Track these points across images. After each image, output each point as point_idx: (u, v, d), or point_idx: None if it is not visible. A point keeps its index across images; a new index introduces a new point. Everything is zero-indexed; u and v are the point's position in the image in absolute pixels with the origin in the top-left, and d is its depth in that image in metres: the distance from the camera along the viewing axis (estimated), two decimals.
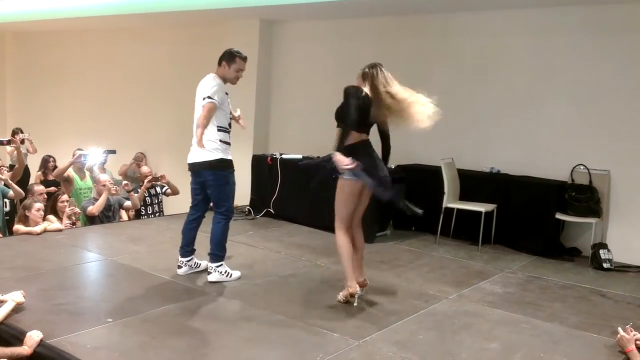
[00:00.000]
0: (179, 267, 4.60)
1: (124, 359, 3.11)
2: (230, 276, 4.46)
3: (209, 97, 4.19)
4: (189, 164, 4.42)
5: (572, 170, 5.87)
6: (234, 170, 4.57)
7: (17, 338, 3.26)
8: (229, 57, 4.39)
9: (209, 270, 4.47)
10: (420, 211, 4.03)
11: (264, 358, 3.22)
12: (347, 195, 3.98)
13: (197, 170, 4.42)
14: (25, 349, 3.14)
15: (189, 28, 8.95)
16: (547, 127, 6.13)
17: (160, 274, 4.59)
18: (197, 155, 4.31)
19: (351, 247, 4.03)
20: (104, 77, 10.19)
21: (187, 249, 4.61)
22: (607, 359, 3.44)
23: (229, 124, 4.48)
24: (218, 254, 4.43)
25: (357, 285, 4.03)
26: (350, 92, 3.89)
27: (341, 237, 4.02)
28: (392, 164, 6.50)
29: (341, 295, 4.04)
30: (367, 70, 3.99)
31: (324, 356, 3.24)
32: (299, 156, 6.95)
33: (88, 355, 3.07)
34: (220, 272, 4.43)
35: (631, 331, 3.43)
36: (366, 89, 3.93)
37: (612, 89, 5.76)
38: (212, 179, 4.38)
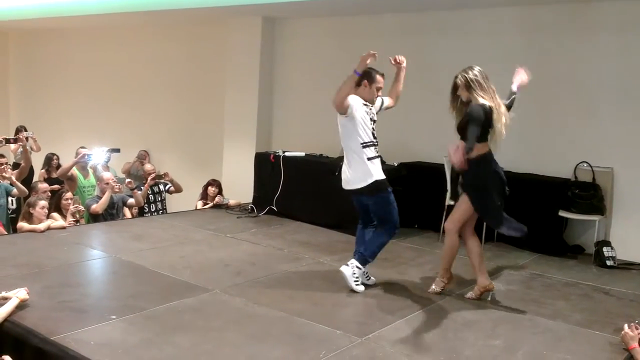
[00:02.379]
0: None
1: (128, 356, 3.12)
2: (357, 284, 4.27)
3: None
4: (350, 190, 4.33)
5: (575, 168, 5.86)
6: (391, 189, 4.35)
7: (20, 334, 3.27)
8: (369, 75, 4.22)
9: (348, 263, 4.32)
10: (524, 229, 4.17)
11: (267, 355, 3.23)
12: (471, 211, 4.12)
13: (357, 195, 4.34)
14: (15, 300, 3.29)
15: (192, 26, 8.96)
16: (551, 124, 6.12)
17: (164, 271, 4.60)
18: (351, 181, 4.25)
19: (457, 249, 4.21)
20: (107, 75, 10.20)
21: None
22: (610, 356, 3.43)
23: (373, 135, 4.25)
24: (367, 257, 4.31)
25: (491, 282, 4.24)
26: (475, 118, 3.84)
27: (453, 241, 4.20)
28: (394, 162, 6.54)
29: (436, 287, 4.31)
30: (472, 77, 3.95)
31: (326, 353, 3.24)
32: (302, 154, 6.96)
33: (92, 352, 3.09)
34: (354, 273, 4.26)
35: (636, 328, 3.42)
36: (483, 99, 3.91)
37: (615, 86, 5.74)
38: (372, 203, 4.30)
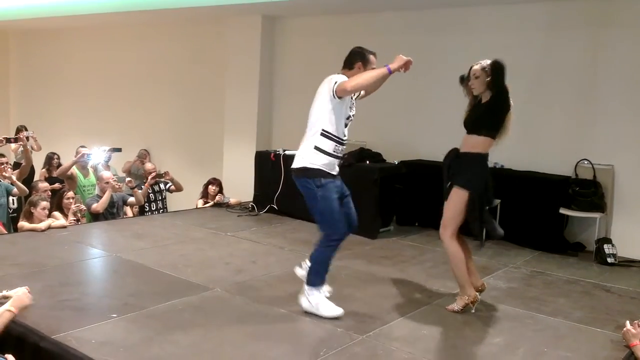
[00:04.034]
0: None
1: (129, 354, 3.12)
2: (324, 308, 3.70)
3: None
4: None
5: (576, 165, 5.85)
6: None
7: (21, 333, 3.28)
8: (362, 56, 3.68)
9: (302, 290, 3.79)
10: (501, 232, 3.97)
11: (268, 353, 3.23)
12: (463, 205, 3.78)
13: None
14: (9, 312, 3.15)
15: (192, 25, 8.96)
16: (551, 122, 6.11)
17: (165, 269, 4.60)
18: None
19: (463, 253, 3.86)
20: (107, 74, 10.21)
21: None
22: (611, 354, 3.43)
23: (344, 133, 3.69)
24: (312, 281, 3.73)
25: (477, 293, 3.93)
26: (505, 94, 3.69)
27: (454, 245, 3.83)
28: (395, 160, 6.54)
29: (458, 305, 3.87)
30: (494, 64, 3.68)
31: (327, 351, 3.24)
32: None
33: (93, 351, 3.09)
34: (311, 302, 3.70)
35: (638, 326, 3.42)
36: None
37: (616, 83, 5.74)
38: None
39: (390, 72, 3.51)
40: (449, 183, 3.88)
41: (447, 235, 3.84)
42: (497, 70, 3.70)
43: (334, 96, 3.52)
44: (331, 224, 3.60)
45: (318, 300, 3.69)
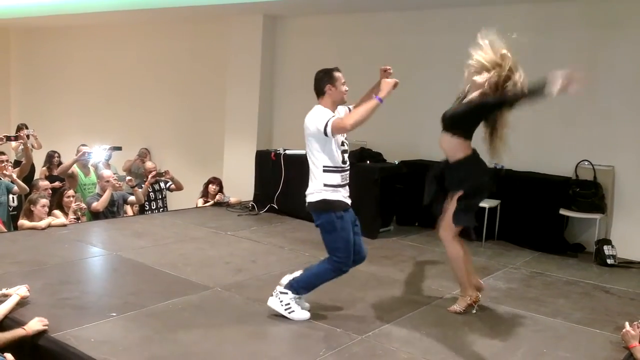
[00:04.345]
0: None
1: (128, 353, 3.13)
2: (289, 311, 3.67)
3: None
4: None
5: (576, 166, 5.85)
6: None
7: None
8: (329, 77, 3.74)
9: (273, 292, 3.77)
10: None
11: (267, 352, 3.24)
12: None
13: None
14: (24, 330, 3.17)
15: (193, 24, 8.96)
16: (552, 122, 6.11)
17: (164, 268, 4.61)
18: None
19: (464, 254, 3.89)
20: (108, 73, 10.21)
21: None
22: (611, 355, 3.43)
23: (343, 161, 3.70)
24: (295, 287, 3.71)
25: (478, 293, 3.93)
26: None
27: (456, 246, 3.85)
28: (396, 160, 6.53)
29: (459, 306, 3.88)
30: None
31: (327, 351, 3.25)
32: (303, 152, 6.89)
33: (92, 349, 3.09)
34: (282, 301, 3.68)
35: (638, 328, 3.42)
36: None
37: (616, 84, 5.73)
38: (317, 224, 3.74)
39: (381, 102, 3.55)
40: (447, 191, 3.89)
41: (450, 236, 3.86)
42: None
43: (326, 135, 3.58)
44: (346, 254, 3.64)
45: (290, 304, 3.67)
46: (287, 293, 3.68)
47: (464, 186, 3.79)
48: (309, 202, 3.71)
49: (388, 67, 3.80)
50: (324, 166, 3.65)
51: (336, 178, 3.64)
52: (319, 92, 3.79)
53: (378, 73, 3.85)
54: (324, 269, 3.68)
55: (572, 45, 5.95)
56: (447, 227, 3.86)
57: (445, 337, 3.56)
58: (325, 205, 3.61)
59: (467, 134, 3.82)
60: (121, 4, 8.19)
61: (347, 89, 3.75)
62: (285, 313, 3.65)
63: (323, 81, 3.76)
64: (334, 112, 3.70)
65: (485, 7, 6.40)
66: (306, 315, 3.69)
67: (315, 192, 3.67)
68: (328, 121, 3.55)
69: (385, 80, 3.62)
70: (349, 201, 3.70)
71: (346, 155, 3.73)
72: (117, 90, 10.08)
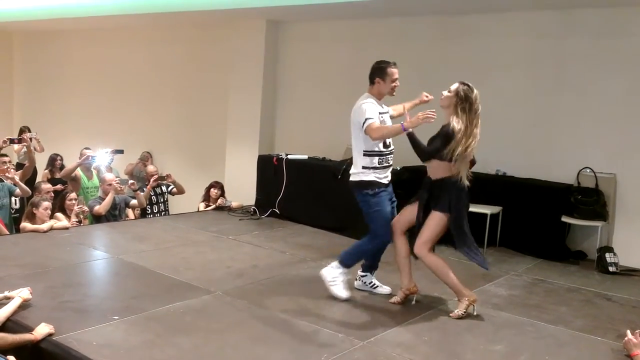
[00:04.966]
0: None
1: (130, 357, 3.13)
2: (334, 284, 4.18)
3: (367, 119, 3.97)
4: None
5: (578, 174, 5.86)
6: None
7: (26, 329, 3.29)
8: (381, 71, 4.06)
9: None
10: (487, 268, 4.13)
11: (268, 357, 3.23)
12: (442, 229, 3.95)
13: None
14: (32, 335, 3.18)
15: (196, 28, 8.99)
16: (554, 130, 6.11)
17: (166, 272, 4.61)
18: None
19: (443, 262, 4.00)
20: (111, 77, 10.23)
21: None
22: None
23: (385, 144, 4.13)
24: (343, 259, 4.22)
25: (474, 294, 3.99)
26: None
27: (434, 258, 3.98)
28: (397, 166, 6.53)
29: (460, 310, 3.92)
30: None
31: (328, 356, 3.24)
32: (305, 156, 6.96)
33: (94, 353, 3.09)
34: (330, 274, 4.19)
35: (639, 336, 3.41)
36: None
37: (619, 92, 5.74)
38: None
39: (405, 131, 3.88)
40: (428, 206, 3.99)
41: (425, 250, 3.96)
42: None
43: (362, 129, 4.01)
44: (384, 229, 4.09)
45: (336, 279, 4.16)
46: (338, 268, 4.17)
47: (443, 207, 3.90)
48: (350, 181, 4.19)
49: (428, 96, 4.20)
50: (363, 150, 4.07)
51: (374, 161, 4.07)
52: (370, 80, 4.13)
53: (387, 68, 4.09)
54: (364, 241, 4.18)
55: (575, 53, 5.96)
56: (424, 242, 3.95)
57: (447, 343, 3.56)
58: (361, 185, 4.07)
59: (441, 158, 3.87)
60: (124, 8, 8.21)
61: (396, 84, 4.10)
62: (328, 285, 4.16)
63: (375, 73, 4.09)
64: (380, 100, 4.12)
65: (489, 14, 6.42)
66: (345, 294, 4.13)
67: (354, 173, 4.13)
68: (366, 121, 3.96)
69: (419, 117, 3.81)
70: (386, 181, 4.13)
71: (388, 140, 4.13)
72: (120, 93, 10.10)
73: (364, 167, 4.07)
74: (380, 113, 4.07)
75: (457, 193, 3.91)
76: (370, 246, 4.16)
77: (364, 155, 4.06)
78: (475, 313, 3.96)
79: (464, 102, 3.78)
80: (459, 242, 3.97)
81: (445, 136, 3.79)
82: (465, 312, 3.92)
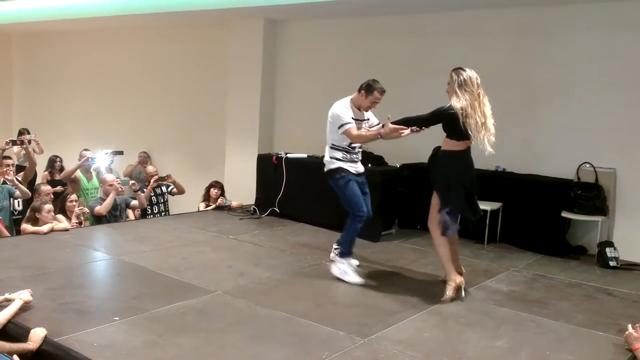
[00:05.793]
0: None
1: (131, 358, 3.13)
2: (347, 274, 4.54)
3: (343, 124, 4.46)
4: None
5: (578, 169, 5.85)
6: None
7: (22, 335, 3.28)
8: (369, 88, 4.51)
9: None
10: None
11: (269, 356, 3.23)
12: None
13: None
14: (31, 345, 3.17)
15: (194, 28, 8.98)
16: (553, 125, 6.11)
17: (166, 272, 4.61)
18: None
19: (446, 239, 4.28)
20: (109, 77, 10.23)
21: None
22: (614, 357, 3.43)
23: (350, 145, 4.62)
24: (342, 250, 4.64)
25: (461, 277, 4.24)
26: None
27: (440, 236, 4.25)
28: (397, 163, 6.54)
29: (449, 292, 4.15)
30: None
31: (329, 354, 3.25)
32: (304, 155, 6.96)
33: (95, 354, 3.09)
34: (338, 267, 4.58)
35: None
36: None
37: (619, 86, 5.73)
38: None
39: (380, 137, 4.30)
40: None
41: (434, 225, 4.29)
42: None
43: (339, 131, 4.49)
44: (357, 204, 4.51)
45: (345, 269, 4.52)
46: (341, 260, 4.56)
47: (435, 179, 4.26)
48: (324, 170, 4.66)
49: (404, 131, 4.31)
50: (332, 144, 4.58)
51: (339, 154, 4.57)
52: (359, 88, 4.54)
53: (377, 76, 4.57)
54: (348, 224, 4.57)
55: (576, 49, 5.95)
56: (431, 219, 4.31)
57: (448, 339, 3.56)
58: (331, 172, 4.59)
59: (447, 133, 4.23)
60: (122, 8, 8.21)
61: (374, 106, 4.57)
62: (341, 278, 4.49)
63: (365, 86, 4.51)
64: (360, 109, 4.57)
65: (485, 10, 6.41)
66: (359, 279, 4.48)
67: (325, 162, 4.64)
68: (345, 125, 4.43)
69: (398, 129, 4.19)
70: (354, 171, 4.59)
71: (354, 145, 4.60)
72: (119, 94, 10.10)
73: (331, 157, 4.58)
74: (353, 118, 4.48)
75: (444, 169, 4.22)
76: (356, 225, 4.53)
77: (331, 148, 4.58)
78: (464, 295, 4.21)
79: (458, 82, 4.08)
80: (442, 203, 4.21)
81: (436, 111, 4.15)
82: (453, 294, 4.14)
